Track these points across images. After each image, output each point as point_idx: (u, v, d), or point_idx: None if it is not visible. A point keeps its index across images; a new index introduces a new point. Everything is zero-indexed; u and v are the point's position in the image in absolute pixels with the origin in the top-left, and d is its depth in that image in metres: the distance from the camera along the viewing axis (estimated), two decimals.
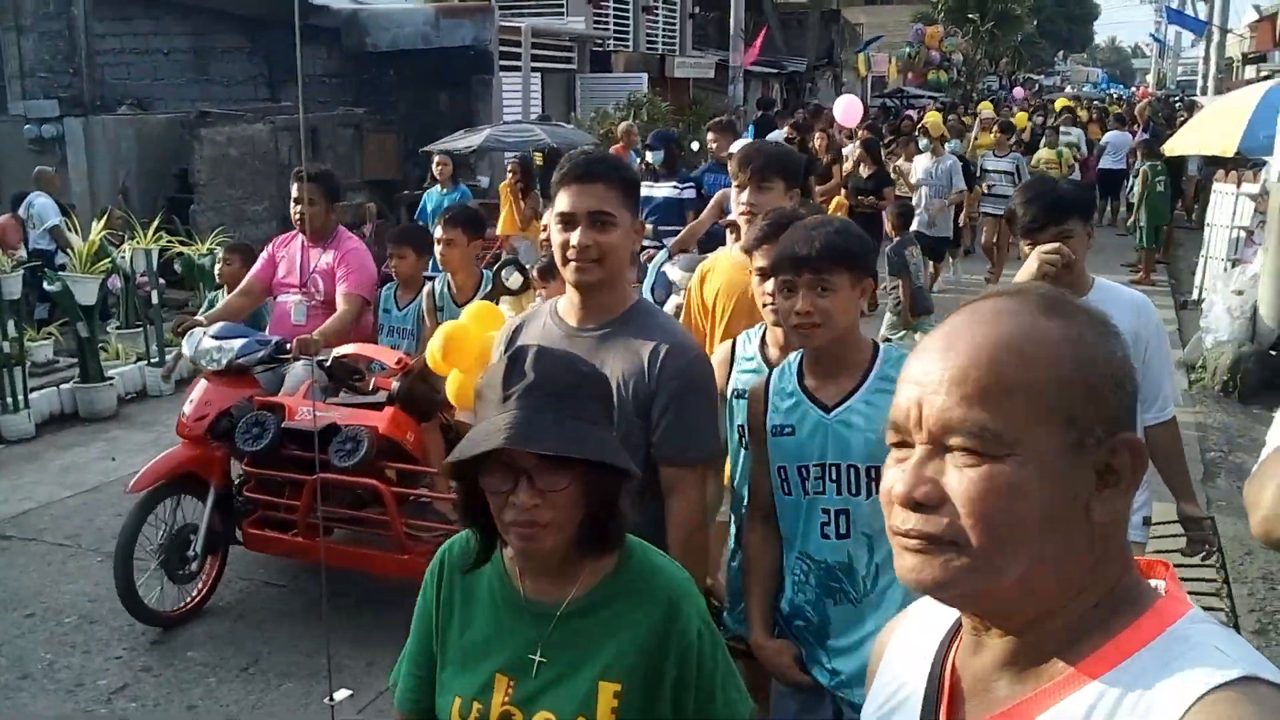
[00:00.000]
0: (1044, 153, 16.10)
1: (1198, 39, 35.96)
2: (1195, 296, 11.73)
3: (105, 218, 9.36)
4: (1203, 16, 32.01)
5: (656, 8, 24.33)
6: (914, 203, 11.99)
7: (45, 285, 8.80)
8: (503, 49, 16.84)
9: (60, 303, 8.37)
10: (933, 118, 19.13)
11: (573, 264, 2.47)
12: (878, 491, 2.22)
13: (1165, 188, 13.48)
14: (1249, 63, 26.35)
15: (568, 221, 2.48)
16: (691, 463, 2.55)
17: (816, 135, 14.75)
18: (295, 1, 2.49)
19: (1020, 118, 23.95)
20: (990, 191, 13.08)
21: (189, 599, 5.00)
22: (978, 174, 13.60)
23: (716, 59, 25.62)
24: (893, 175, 13.60)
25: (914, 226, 11.79)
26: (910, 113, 21.85)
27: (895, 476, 1.05)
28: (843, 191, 11.87)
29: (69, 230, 10.08)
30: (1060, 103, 25.94)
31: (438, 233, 5.45)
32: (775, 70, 29.25)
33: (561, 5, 20.55)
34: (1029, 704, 1.02)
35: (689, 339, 2.65)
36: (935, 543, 1.01)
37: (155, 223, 9.54)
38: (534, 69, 17.96)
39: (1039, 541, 1.00)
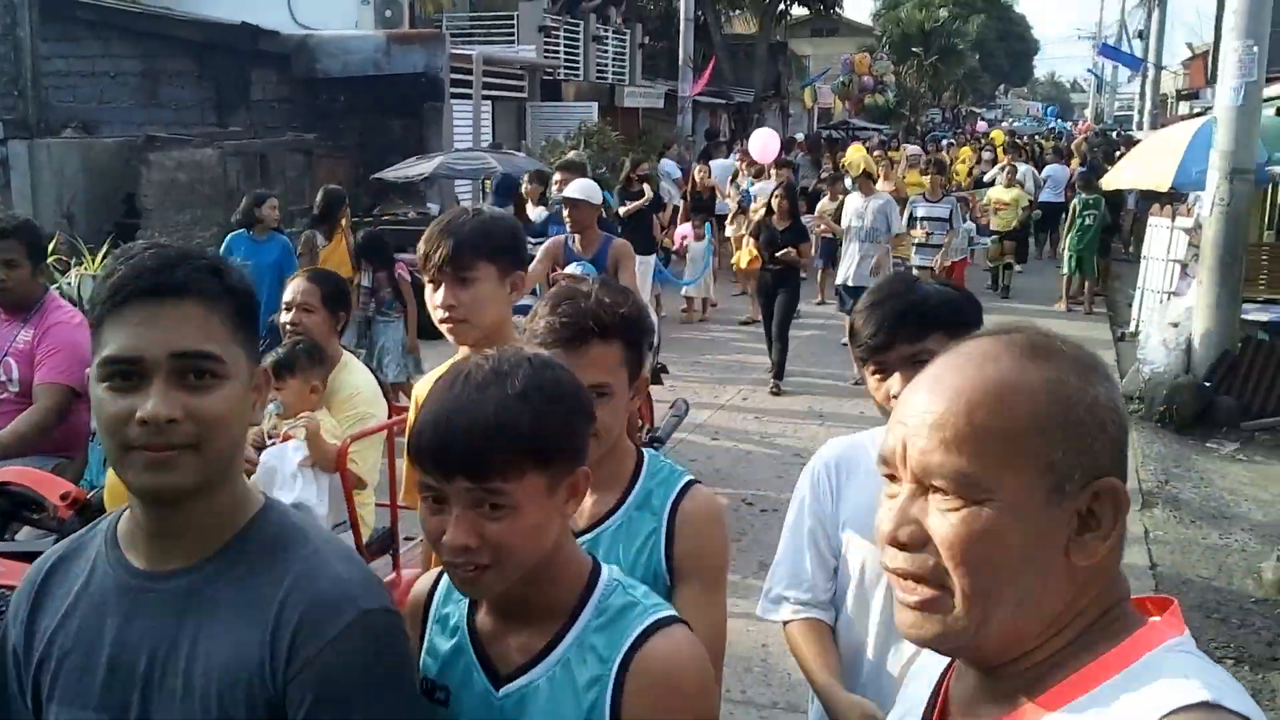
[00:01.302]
0: (997, 192, 15.20)
1: (1134, 75, 36.91)
2: (1133, 328, 12.03)
3: (51, 243, 9.27)
4: (1138, 53, 32.89)
5: (606, 37, 24.52)
6: (842, 249, 10.98)
7: None
8: (454, 76, 16.89)
9: None
10: (854, 154, 17.67)
11: (143, 456, 1.35)
12: None
13: (1094, 220, 13.73)
14: (1183, 99, 27.10)
15: (128, 374, 1.36)
16: None
17: (698, 169, 14.47)
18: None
19: (964, 152, 24.25)
20: (929, 241, 11.69)
21: None
22: (906, 220, 11.84)
23: (666, 89, 25.86)
24: (815, 219, 12.65)
25: (839, 278, 10.79)
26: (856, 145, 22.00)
27: (883, 514, 1.09)
28: (752, 242, 10.63)
29: None
30: (996, 136, 26.31)
31: None
32: (723, 101, 29.56)
33: (513, 34, 20.67)
34: None
35: (351, 581, 1.44)
36: (927, 586, 1.05)
37: (104, 248, 9.48)
38: (485, 97, 18.03)
39: (1017, 585, 1.02)
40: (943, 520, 1.03)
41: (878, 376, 2.13)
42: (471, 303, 2.38)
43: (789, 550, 2.30)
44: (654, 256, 11.38)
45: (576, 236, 6.11)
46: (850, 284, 10.32)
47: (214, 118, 16.38)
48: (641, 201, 11.77)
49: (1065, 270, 14.15)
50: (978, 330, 1.29)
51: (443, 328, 2.47)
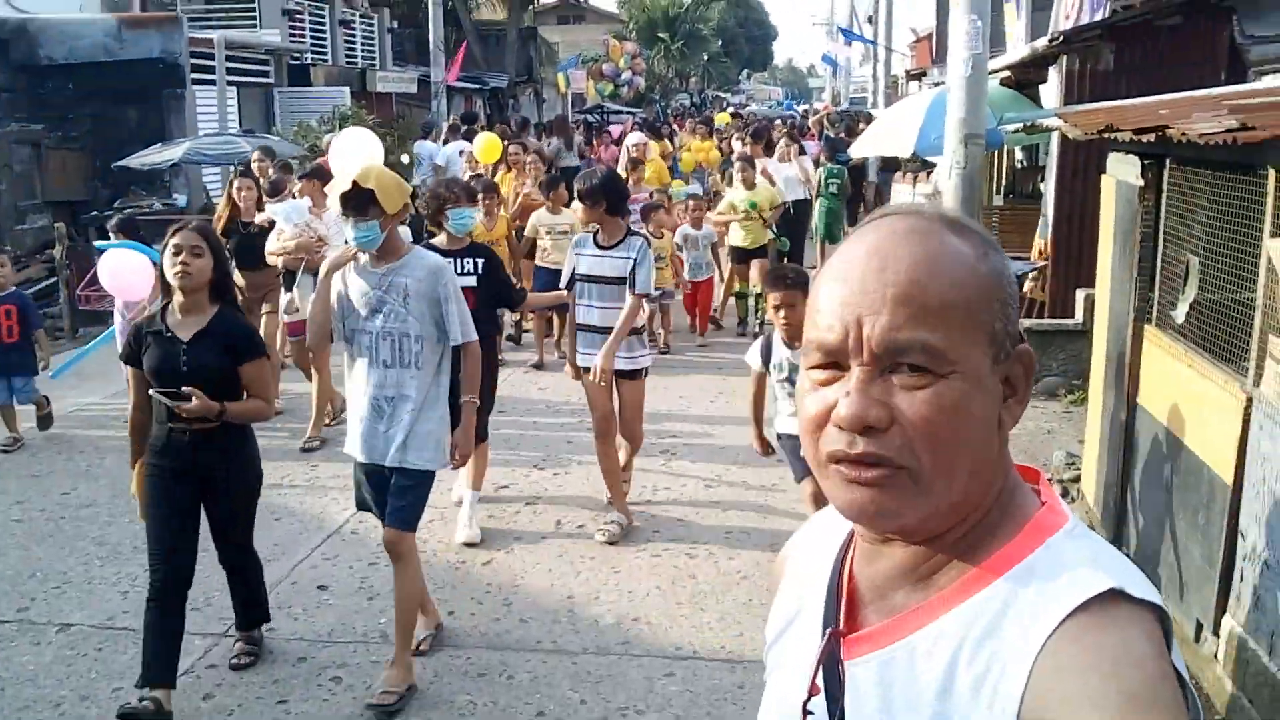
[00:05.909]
0: (739, 194, 10.99)
1: (865, 60, 39.00)
2: None
3: None
4: (869, 37, 34.75)
5: (354, 22, 23.91)
6: None
7: None
8: (195, 61, 16.11)
9: None
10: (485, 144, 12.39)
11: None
12: None
13: (836, 189, 14.49)
14: (912, 79, 28.76)
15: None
16: None
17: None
18: None
19: (692, 143, 18.64)
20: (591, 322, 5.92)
21: None
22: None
23: (419, 74, 25.46)
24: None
25: None
26: (614, 129, 21.62)
27: (834, 400, 1.03)
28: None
29: None
30: (721, 118, 26.56)
31: None
32: (477, 86, 29.35)
33: (254, 17, 19.85)
34: (921, 611, 1.06)
35: None
36: (887, 466, 1.01)
37: None
38: (230, 83, 17.26)
39: (974, 454, 1.03)
40: (912, 398, 1.00)
41: None
42: None
43: None
44: None
45: None
46: None
47: None
48: None
49: (816, 238, 14.85)
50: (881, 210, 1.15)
51: None
